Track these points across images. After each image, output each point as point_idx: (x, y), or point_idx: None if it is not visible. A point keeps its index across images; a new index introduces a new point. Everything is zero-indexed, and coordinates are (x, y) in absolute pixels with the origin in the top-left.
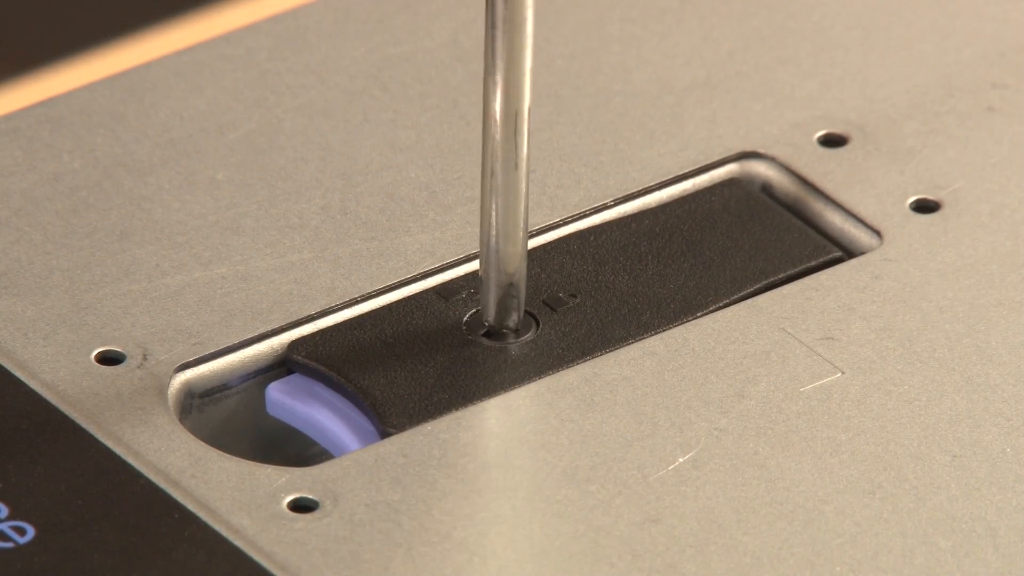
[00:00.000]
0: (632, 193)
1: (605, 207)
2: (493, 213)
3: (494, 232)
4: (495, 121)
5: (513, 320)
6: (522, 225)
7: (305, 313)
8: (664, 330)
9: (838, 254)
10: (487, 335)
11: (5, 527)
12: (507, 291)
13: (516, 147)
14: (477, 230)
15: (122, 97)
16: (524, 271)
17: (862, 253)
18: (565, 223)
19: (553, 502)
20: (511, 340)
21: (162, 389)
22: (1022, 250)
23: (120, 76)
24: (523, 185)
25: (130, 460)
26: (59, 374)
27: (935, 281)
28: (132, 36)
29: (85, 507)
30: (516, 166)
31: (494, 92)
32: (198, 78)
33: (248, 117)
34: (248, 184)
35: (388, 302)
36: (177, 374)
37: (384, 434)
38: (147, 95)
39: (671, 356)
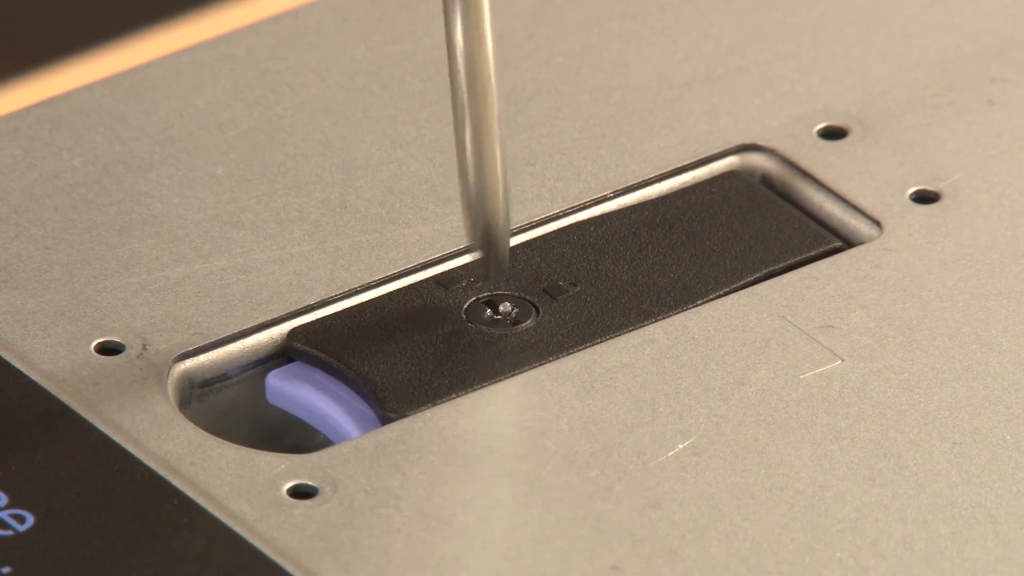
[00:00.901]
0: (632, 185)
1: (605, 199)
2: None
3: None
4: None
5: (499, 272)
6: (500, 173)
7: (305, 303)
8: (664, 318)
9: (838, 244)
10: (489, 321)
11: (5, 515)
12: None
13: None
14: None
15: (122, 97)
16: (508, 219)
17: (862, 243)
18: (565, 214)
19: (553, 488)
20: (511, 327)
21: (162, 378)
22: (1021, 240)
23: (120, 76)
24: (496, 145)
25: (129, 448)
26: (59, 364)
27: (935, 270)
28: (132, 36)
29: (85, 495)
30: (489, 125)
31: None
32: (198, 78)
33: (248, 115)
34: (247, 179)
35: (388, 291)
36: (177, 363)
37: (384, 420)
38: (147, 95)
39: (671, 344)
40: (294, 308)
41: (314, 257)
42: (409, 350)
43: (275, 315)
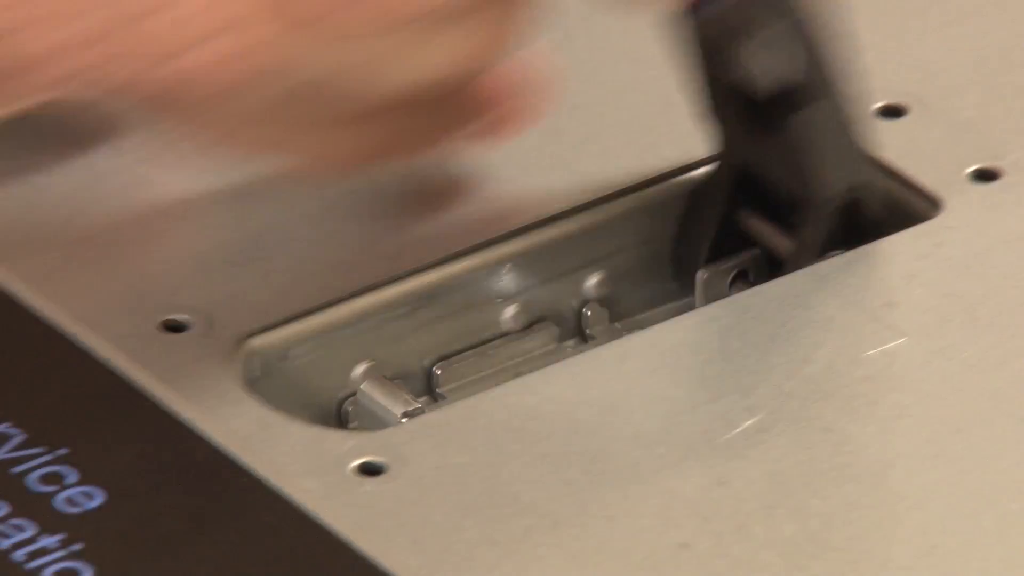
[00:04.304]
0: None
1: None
2: None
3: None
4: None
5: None
6: None
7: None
8: (727, 296)
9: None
10: None
11: (75, 492)
12: None
13: None
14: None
15: None
16: None
17: (923, 221)
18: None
19: (621, 465)
20: None
21: (229, 356)
22: None
23: None
24: None
25: (198, 426)
26: (127, 342)
27: (996, 248)
28: None
29: (154, 472)
30: None
31: None
32: None
33: None
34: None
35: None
36: (244, 341)
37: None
38: None
39: (736, 322)
40: (359, 287)
41: (374, 236)
42: None
43: (341, 293)
